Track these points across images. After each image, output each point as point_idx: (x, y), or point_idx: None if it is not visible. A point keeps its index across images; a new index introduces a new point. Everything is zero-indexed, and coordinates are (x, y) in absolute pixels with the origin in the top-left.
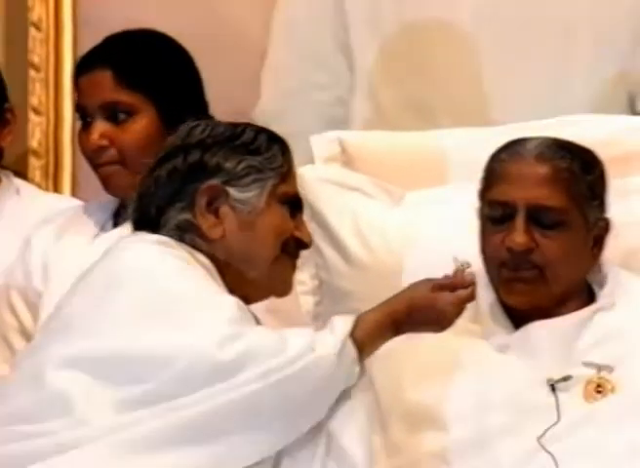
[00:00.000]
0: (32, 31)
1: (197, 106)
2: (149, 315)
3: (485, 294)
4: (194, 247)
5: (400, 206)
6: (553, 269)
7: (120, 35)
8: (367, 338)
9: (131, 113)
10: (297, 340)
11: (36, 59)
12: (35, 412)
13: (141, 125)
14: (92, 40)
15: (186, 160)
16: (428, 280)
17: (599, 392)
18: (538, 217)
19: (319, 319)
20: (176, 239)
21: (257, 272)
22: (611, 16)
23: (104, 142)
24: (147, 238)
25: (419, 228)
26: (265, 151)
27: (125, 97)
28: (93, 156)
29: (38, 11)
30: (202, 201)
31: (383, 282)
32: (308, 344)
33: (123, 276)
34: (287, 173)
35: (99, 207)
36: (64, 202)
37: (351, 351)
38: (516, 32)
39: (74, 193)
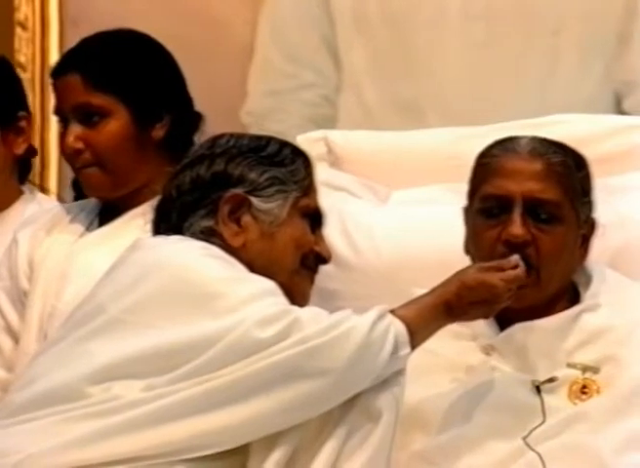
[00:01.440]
0: (18, 31)
1: (176, 104)
2: (191, 305)
3: None
4: None
5: (386, 205)
6: (547, 268)
7: (93, 37)
8: (417, 318)
9: (103, 115)
10: (335, 314)
11: (22, 59)
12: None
13: (115, 126)
14: (78, 40)
15: (210, 169)
16: (475, 264)
17: (584, 393)
18: (533, 211)
19: None
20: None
21: (276, 283)
22: (598, 16)
23: (79, 145)
24: (174, 237)
25: (405, 228)
26: (290, 164)
27: (95, 99)
28: (70, 159)
29: (24, 10)
30: (225, 209)
31: (370, 281)
32: (346, 317)
33: (159, 267)
34: (309, 186)
35: (84, 206)
36: None
37: (394, 323)
38: (504, 31)
39: (60, 193)
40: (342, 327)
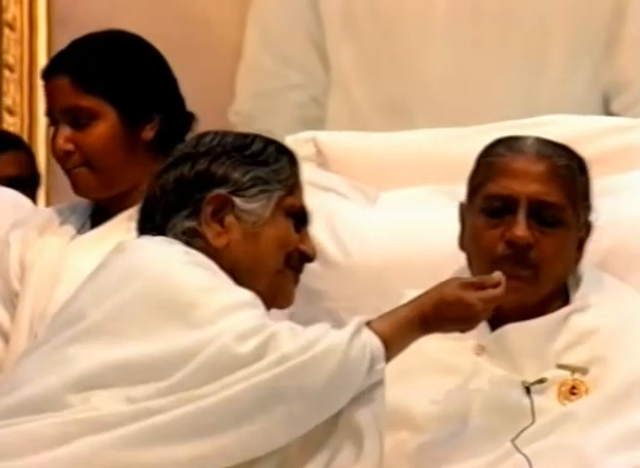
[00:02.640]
0: (6, 31)
1: (166, 105)
2: (169, 313)
3: None
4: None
5: (375, 206)
6: (547, 269)
7: (82, 39)
8: (393, 331)
9: (92, 117)
10: (312, 330)
11: (10, 60)
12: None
13: (103, 128)
14: (66, 40)
15: (194, 168)
16: (457, 278)
17: (574, 394)
18: (538, 213)
19: (293, 319)
20: (184, 244)
21: (259, 283)
22: (586, 16)
23: (69, 147)
24: (158, 239)
25: (393, 229)
26: (274, 163)
27: (84, 101)
28: (61, 160)
29: (12, 11)
30: (208, 210)
31: (358, 282)
32: (323, 333)
33: (140, 271)
34: (294, 185)
35: (75, 209)
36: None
37: (370, 339)
38: (491, 31)
39: (48, 193)
40: (320, 345)
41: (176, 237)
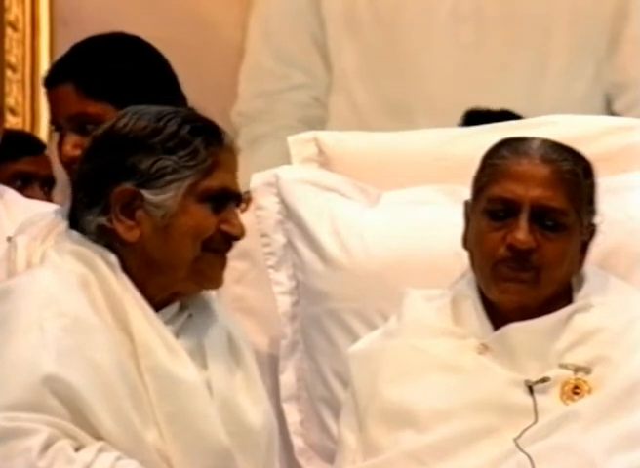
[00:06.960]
0: (9, 31)
1: (169, 106)
2: None
3: (468, 293)
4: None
5: (377, 206)
6: (548, 272)
7: (82, 44)
8: None
9: (99, 123)
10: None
11: (13, 60)
12: None
13: None
14: (69, 40)
15: (106, 159)
16: None
17: (576, 393)
18: (540, 218)
19: (296, 319)
20: (96, 243)
21: (178, 273)
22: (589, 17)
23: (78, 153)
24: (67, 247)
25: (395, 229)
26: (184, 148)
27: (90, 108)
28: (68, 167)
29: (15, 11)
30: (116, 206)
31: (360, 282)
32: None
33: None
34: (211, 167)
35: None
36: (45, 207)
37: None
38: (493, 32)
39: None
40: None
41: (89, 236)
